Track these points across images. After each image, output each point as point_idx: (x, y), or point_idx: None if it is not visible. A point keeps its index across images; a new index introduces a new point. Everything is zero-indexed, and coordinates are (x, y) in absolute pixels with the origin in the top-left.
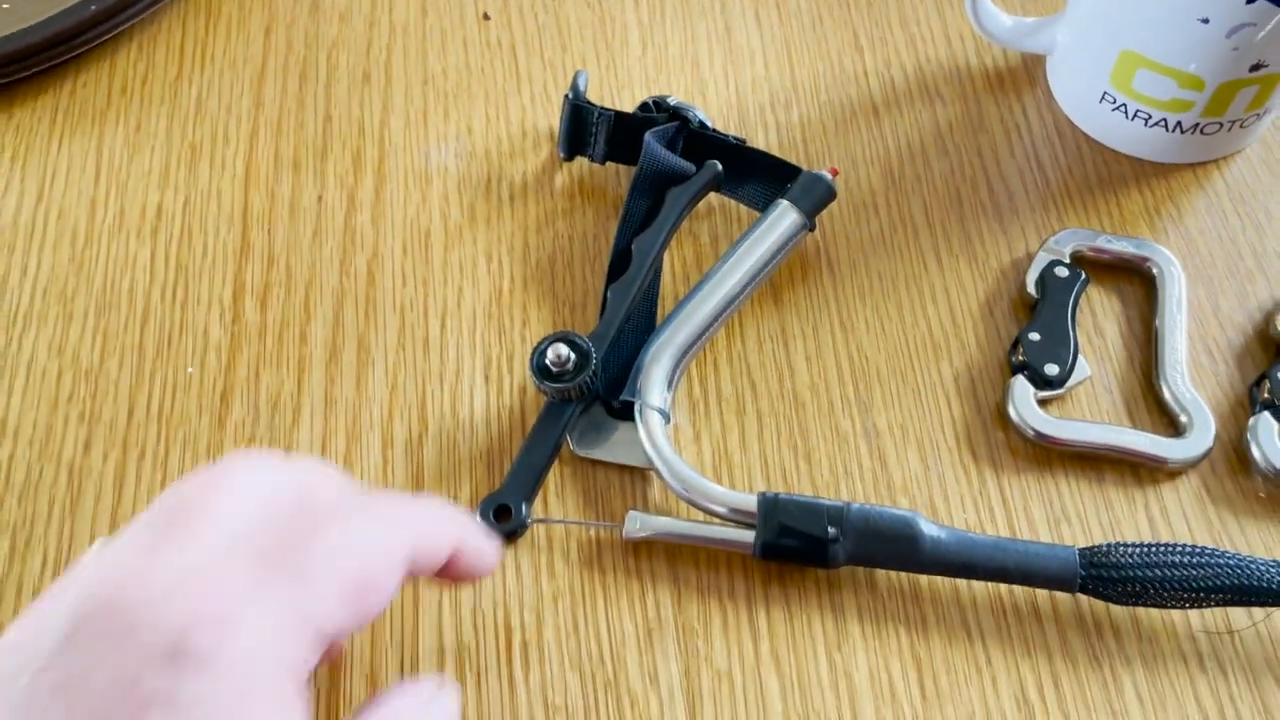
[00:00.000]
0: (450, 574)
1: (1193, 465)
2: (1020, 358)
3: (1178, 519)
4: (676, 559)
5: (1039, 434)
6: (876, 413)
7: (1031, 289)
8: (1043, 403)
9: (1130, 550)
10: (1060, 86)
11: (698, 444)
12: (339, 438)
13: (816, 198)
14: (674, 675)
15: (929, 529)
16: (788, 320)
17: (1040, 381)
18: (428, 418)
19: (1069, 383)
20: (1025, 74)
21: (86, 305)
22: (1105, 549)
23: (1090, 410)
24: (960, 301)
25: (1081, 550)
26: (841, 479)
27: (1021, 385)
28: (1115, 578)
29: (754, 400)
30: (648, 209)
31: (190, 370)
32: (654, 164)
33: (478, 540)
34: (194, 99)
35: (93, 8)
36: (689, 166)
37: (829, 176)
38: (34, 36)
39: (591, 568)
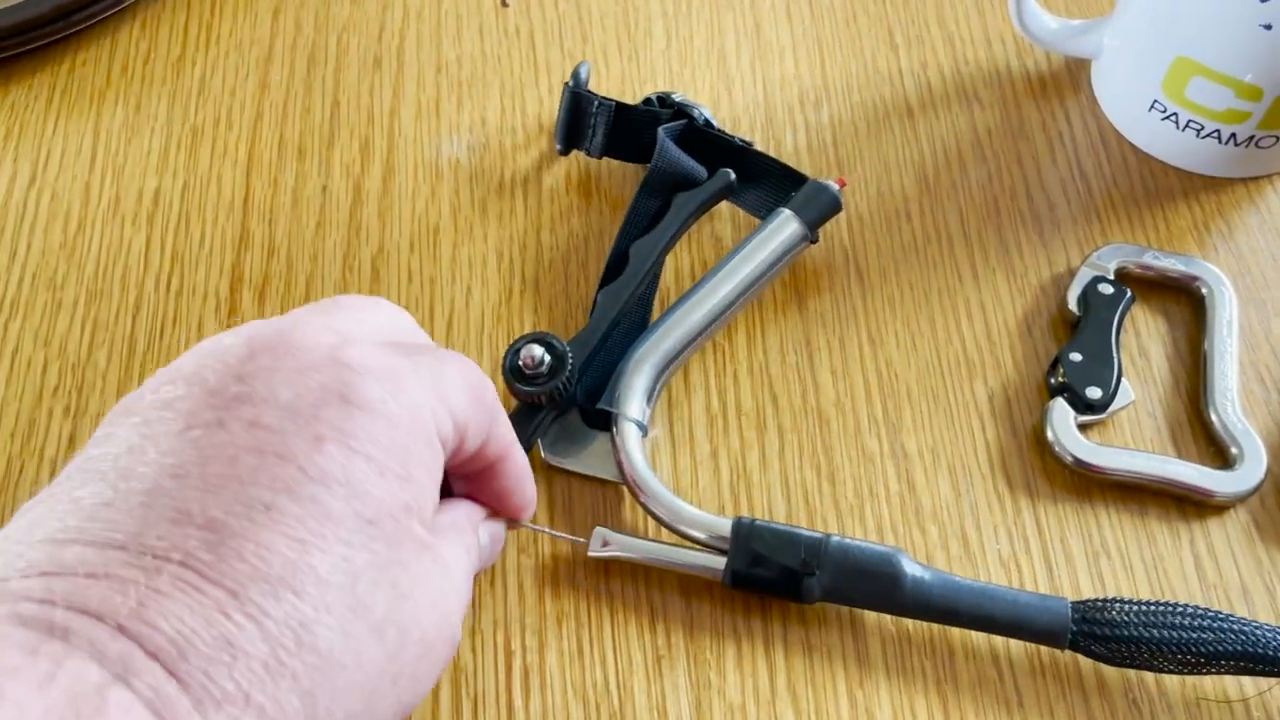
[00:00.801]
0: (497, 487)
1: (1242, 500)
2: (1060, 379)
3: (1225, 557)
4: (689, 583)
5: (1079, 461)
6: (906, 433)
7: (1073, 306)
8: (1083, 427)
9: (1129, 608)
10: (1106, 93)
11: (714, 461)
12: None
13: (820, 208)
14: (684, 708)
15: (912, 569)
16: (813, 331)
17: (1081, 405)
18: None
19: (1112, 407)
20: (1068, 78)
21: (76, 293)
22: (1102, 604)
23: (1133, 437)
24: (996, 317)
25: (1075, 604)
26: (867, 502)
27: (1061, 408)
28: (1110, 636)
29: (775, 415)
30: (654, 211)
31: None
32: (667, 164)
33: (525, 461)
34: (197, 80)
35: None
36: (701, 171)
37: (835, 187)
38: (34, 10)
39: (598, 589)
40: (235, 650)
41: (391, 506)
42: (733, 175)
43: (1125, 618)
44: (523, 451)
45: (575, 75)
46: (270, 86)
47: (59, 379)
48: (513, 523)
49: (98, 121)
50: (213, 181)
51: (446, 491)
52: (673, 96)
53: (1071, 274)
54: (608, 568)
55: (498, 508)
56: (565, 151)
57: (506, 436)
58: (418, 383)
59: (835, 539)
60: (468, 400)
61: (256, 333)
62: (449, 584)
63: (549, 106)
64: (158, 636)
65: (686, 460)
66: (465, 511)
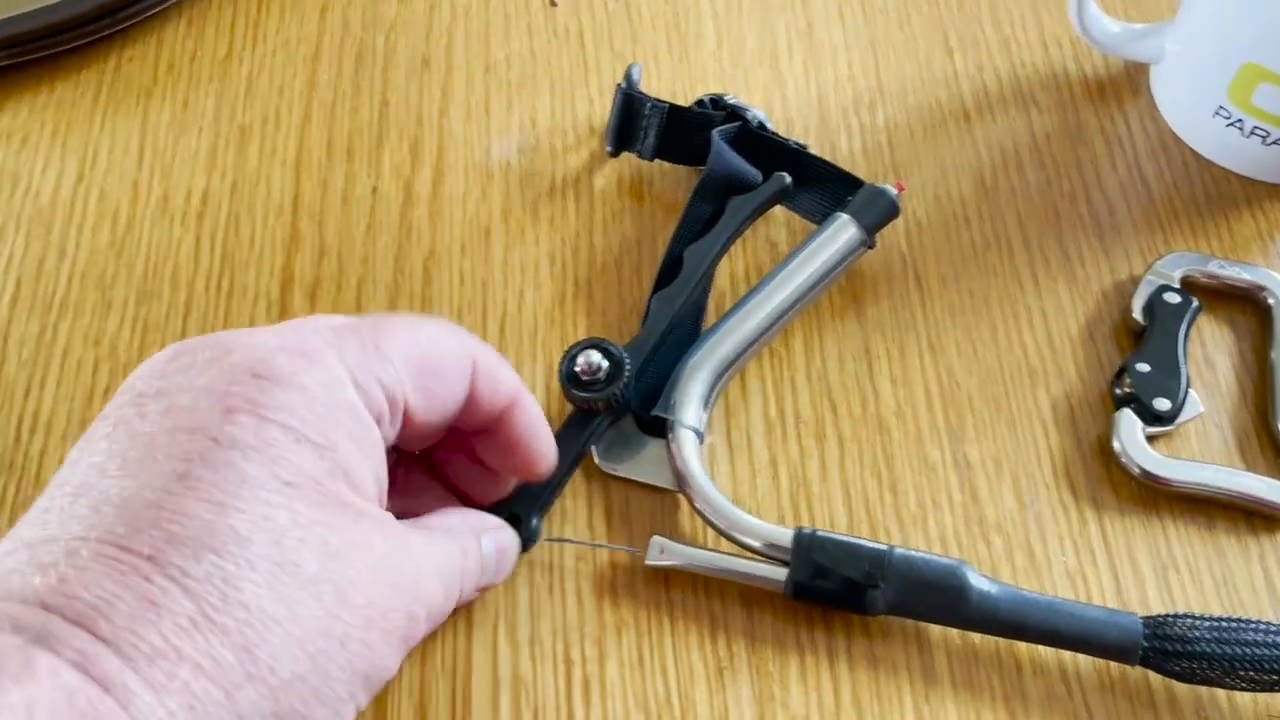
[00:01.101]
0: (508, 437)
1: None
2: (1126, 389)
3: None
4: (750, 593)
5: (1146, 473)
6: (968, 443)
7: (1138, 315)
8: (1150, 439)
9: (1201, 624)
10: (1166, 98)
11: (773, 469)
12: None
13: (879, 213)
14: None
15: (978, 582)
16: (872, 338)
17: (1149, 416)
18: None
19: (1179, 419)
20: (1127, 82)
21: (126, 293)
22: (1173, 620)
23: (1200, 449)
24: (1059, 325)
25: (1146, 619)
26: (930, 513)
27: (1129, 419)
28: (1181, 652)
29: (835, 424)
30: (709, 215)
31: None
32: (722, 168)
33: (537, 411)
34: (244, 79)
35: None
36: (756, 174)
37: (893, 191)
38: (78, 8)
39: (658, 598)
40: (159, 610)
41: (312, 471)
42: (788, 179)
43: (1197, 634)
44: (535, 402)
45: (627, 76)
46: (318, 86)
47: (110, 380)
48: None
49: (145, 119)
50: (261, 181)
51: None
52: (726, 99)
53: (1134, 282)
54: (667, 577)
55: (510, 463)
56: (616, 153)
57: (504, 391)
58: (336, 358)
59: (899, 551)
60: (407, 370)
61: (192, 339)
62: (407, 559)
63: (599, 108)
64: (77, 604)
65: (745, 468)
66: (462, 517)
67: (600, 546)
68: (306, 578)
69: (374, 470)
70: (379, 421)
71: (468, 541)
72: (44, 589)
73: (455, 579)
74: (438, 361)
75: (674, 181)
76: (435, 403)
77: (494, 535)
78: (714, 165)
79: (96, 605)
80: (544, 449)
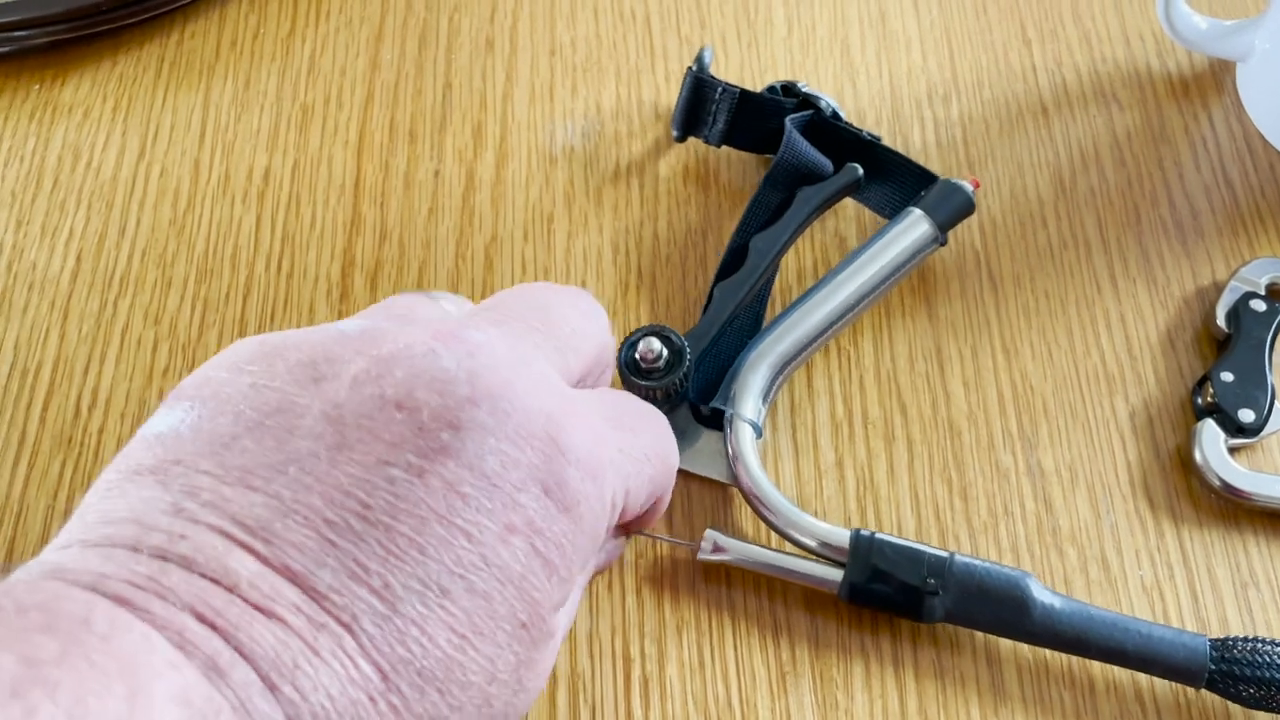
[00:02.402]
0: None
1: None
2: (1209, 399)
3: None
4: (814, 597)
5: (1228, 486)
6: (1042, 449)
7: (1221, 322)
8: (1232, 451)
9: (1272, 648)
10: (1253, 97)
11: (839, 470)
12: None
13: (953, 209)
14: None
15: (1041, 595)
16: (943, 338)
17: (1232, 428)
18: None
19: (1265, 431)
20: (1211, 80)
21: (186, 272)
22: (1242, 642)
23: None
24: (1138, 330)
25: (1214, 641)
26: (1001, 521)
27: (1211, 430)
28: (1251, 677)
29: (904, 426)
30: (777, 205)
31: None
32: (794, 156)
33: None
34: (307, 58)
35: None
36: (827, 165)
37: (969, 187)
38: None
39: (719, 597)
40: None
41: (545, 608)
42: (860, 171)
43: (1266, 658)
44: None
45: (699, 59)
46: (381, 66)
47: (169, 359)
48: (622, 529)
49: (206, 96)
50: (323, 162)
51: None
52: (799, 86)
53: (1218, 288)
54: (727, 573)
55: (634, 523)
56: (682, 138)
57: (664, 506)
58: (615, 474)
59: (960, 558)
60: (651, 485)
61: (481, 369)
62: (551, 661)
63: (666, 94)
64: (301, 705)
65: (810, 469)
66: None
67: (654, 537)
68: (490, 715)
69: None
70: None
71: (577, 592)
72: (278, 666)
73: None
74: (669, 462)
75: (740, 170)
76: (645, 503)
77: (609, 544)
78: (785, 153)
79: (316, 715)
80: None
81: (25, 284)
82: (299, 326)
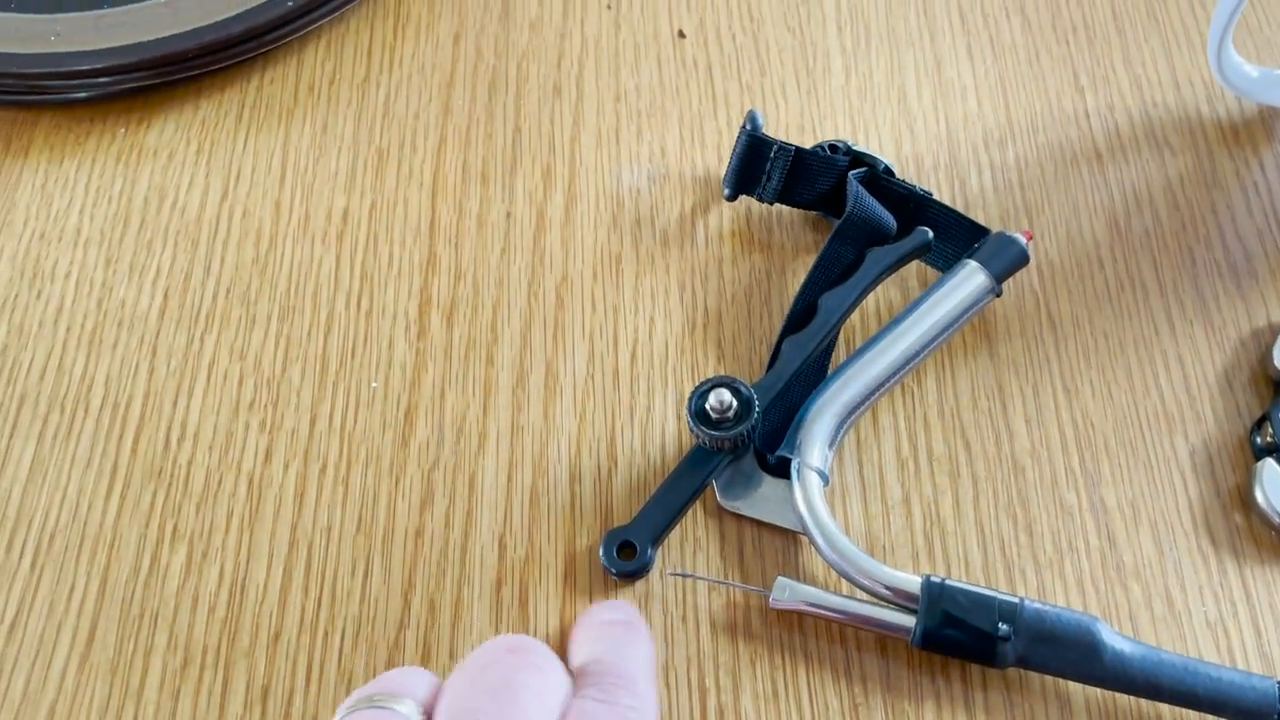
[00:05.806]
0: None
1: None
2: (1268, 439)
3: None
4: (885, 639)
5: None
6: (1105, 487)
7: (1277, 363)
8: None
9: None
10: None
11: (906, 506)
12: (524, 469)
13: (1007, 261)
14: None
15: (1111, 639)
16: (1005, 377)
17: None
18: (616, 454)
19: None
20: (1261, 126)
21: (269, 309)
22: None
23: None
24: (1195, 371)
25: None
26: (1066, 557)
27: (1272, 470)
28: None
29: (969, 462)
30: (846, 261)
31: (374, 385)
32: (863, 211)
33: None
34: (381, 102)
35: (289, 3)
36: (892, 222)
37: (1023, 240)
38: (225, 31)
39: (791, 637)
40: None
41: None
42: (930, 235)
43: None
44: None
45: (751, 120)
46: (453, 111)
47: (254, 393)
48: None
49: (286, 140)
50: (399, 203)
51: None
52: (850, 145)
53: (1273, 330)
54: (799, 617)
55: None
56: (733, 197)
57: None
58: None
59: (1030, 604)
60: None
61: None
62: None
63: (727, 139)
64: None
65: (878, 505)
66: None
67: (726, 584)
68: None
69: None
70: None
71: None
72: None
73: None
74: None
75: (800, 218)
76: None
77: None
78: (855, 209)
79: None
80: None
81: (115, 321)
82: (378, 364)
